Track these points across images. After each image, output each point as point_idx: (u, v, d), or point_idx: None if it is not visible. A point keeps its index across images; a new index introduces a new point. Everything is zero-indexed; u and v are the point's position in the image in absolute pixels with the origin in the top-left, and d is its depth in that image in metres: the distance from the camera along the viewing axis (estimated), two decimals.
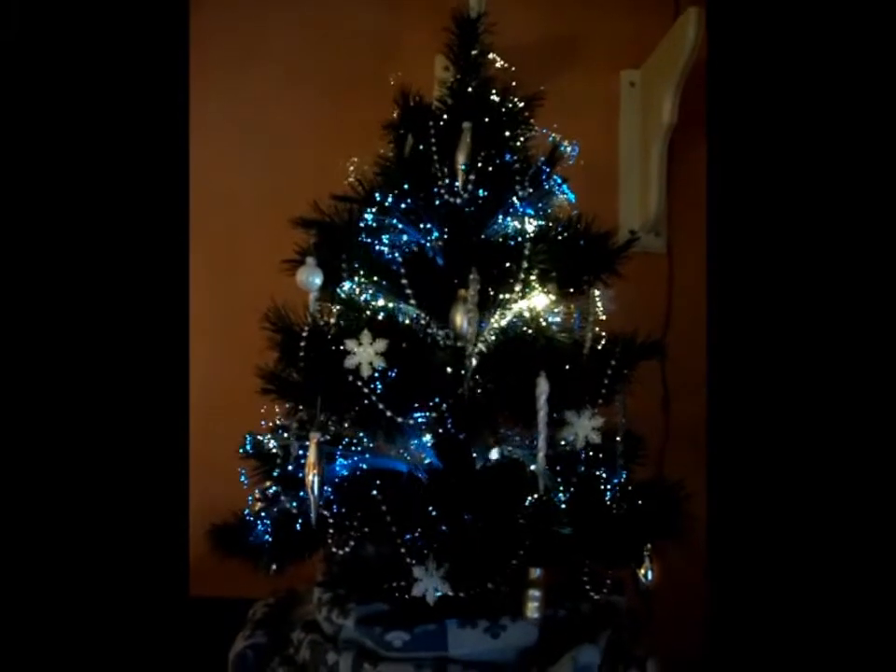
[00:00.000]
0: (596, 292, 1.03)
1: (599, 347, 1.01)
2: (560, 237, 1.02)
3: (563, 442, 0.98)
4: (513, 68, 1.13)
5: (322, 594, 1.06)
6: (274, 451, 1.03)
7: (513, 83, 1.11)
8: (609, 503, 0.97)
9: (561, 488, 0.94)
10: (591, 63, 1.60)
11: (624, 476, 1.00)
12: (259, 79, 1.61)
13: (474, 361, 0.96)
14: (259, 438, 1.04)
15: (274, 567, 1.02)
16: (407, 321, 1.00)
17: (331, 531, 0.98)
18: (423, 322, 1.00)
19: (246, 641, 1.06)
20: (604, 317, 1.04)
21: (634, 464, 1.04)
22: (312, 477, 0.91)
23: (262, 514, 1.03)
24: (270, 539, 1.02)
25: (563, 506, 0.94)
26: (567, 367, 0.96)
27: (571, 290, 1.03)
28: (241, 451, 1.04)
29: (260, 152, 1.59)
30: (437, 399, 0.95)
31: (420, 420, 0.96)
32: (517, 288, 0.99)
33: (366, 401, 0.93)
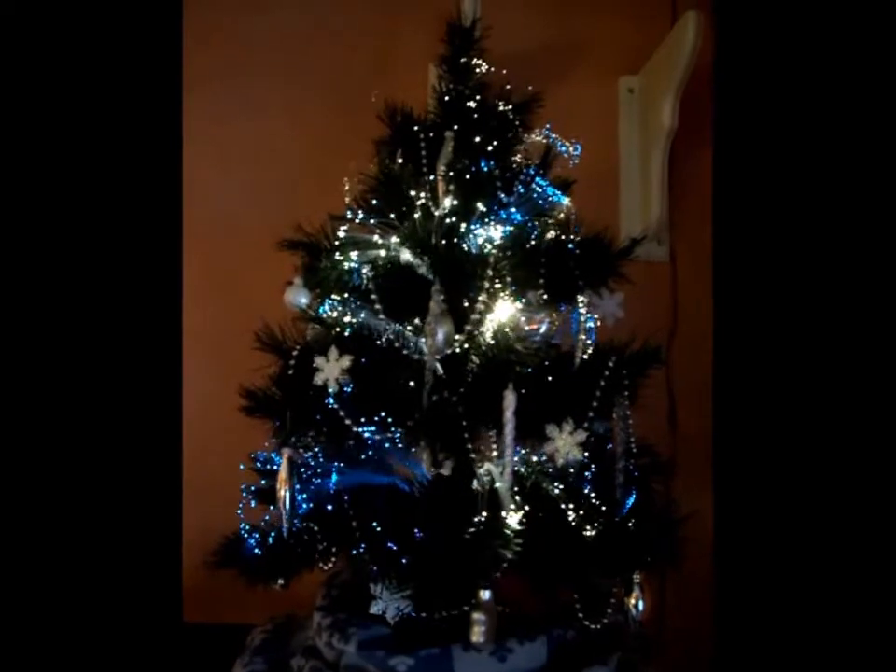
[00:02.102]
0: (580, 299, 1.01)
1: (585, 357, 0.99)
2: (529, 244, 1.01)
3: (541, 458, 0.97)
4: (504, 71, 1.14)
5: (322, 618, 1.06)
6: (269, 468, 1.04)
7: (507, 86, 1.12)
8: (574, 524, 0.94)
9: (512, 507, 0.91)
10: (589, 69, 1.61)
11: (634, 496, 0.99)
12: (251, 92, 1.61)
13: (456, 374, 0.97)
14: (268, 456, 1.05)
15: (270, 582, 1.02)
16: (386, 336, 1.01)
17: (320, 546, 0.98)
18: (391, 336, 1.00)
19: (245, 669, 1.06)
20: (591, 325, 1.02)
21: (645, 482, 1.02)
22: (283, 492, 0.95)
23: (249, 528, 1.04)
24: (259, 553, 1.02)
25: (517, 526, 0.91)
26: (550, 378, 0.96)
27: (559, 298, 1.02)
28: (241, 467, 1.06)
29: (252, 167, 1.59)
30: (392, 413, 0.95)
31: (386, 435, 0.96)
32: (481, 298, 0.98)
33: (324, 416, 0.95)
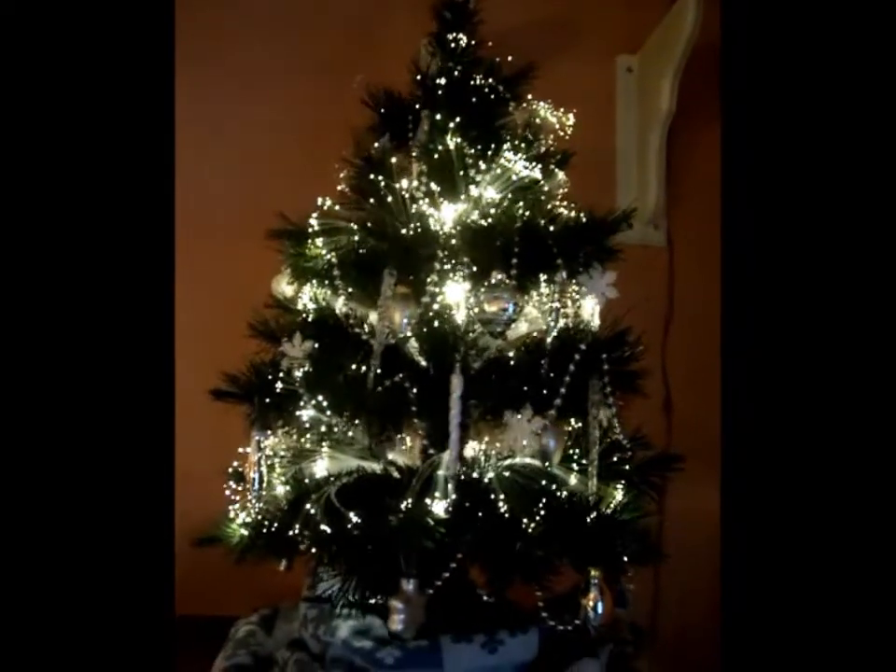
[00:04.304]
0: (543, 277, 0.99)
1: (549, 342, 0.97)
2: (488, 222, 1.00)
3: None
4: (490, 43, 1.14)
5: (308, 609, 1.06)
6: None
7: (496, 59, 1.12)
8: (508, 517, 0.91)
9: (437, 495, 0.90)
10: (586, 47, 1.60)
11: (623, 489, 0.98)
12: (238, 72, 1.59)
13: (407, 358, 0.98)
14: None
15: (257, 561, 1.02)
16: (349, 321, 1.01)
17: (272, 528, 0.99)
18: (352, 321, 1.01)
19: (228, 662, 1.06)
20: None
21: (632, 474, 1.00)
22: (252, 474, 1.01)
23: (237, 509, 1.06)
24: (245, 534, 1.02)
25: (442, 515, 0.90)
26: (512, 363, 0.96)
27: (534, 277, 0.99)
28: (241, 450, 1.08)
29: (240, 149, 1.58)
30: (340, 397, 0.96)
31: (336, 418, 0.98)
32: (430, 279, 0.97)
33: (284, 400, 0.99)
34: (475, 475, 0.94)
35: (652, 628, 1.46)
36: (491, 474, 0.94)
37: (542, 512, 0.90)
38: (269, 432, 1.02)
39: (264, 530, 0.99)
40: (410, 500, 0.90)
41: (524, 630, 0.99)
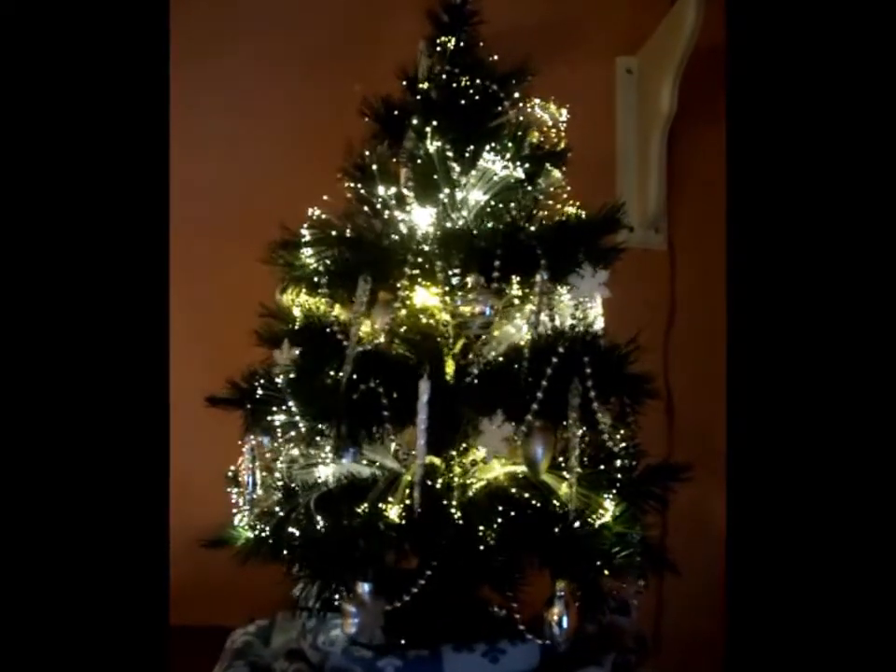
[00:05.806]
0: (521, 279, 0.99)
1: (525, 345, 0.96)
2: (460, 226, 1.01)
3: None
4: (482, 44, 1.14)
5: (307, 619, 1.06)
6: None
7: (489, 59, 1.12)
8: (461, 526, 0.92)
9: (390, 500, 0.92)
10: (585, 48, 1.60)
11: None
12: (235, 70, 1.60)
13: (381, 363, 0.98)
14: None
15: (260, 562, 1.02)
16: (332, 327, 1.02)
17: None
18: (335, 328, 1.01)
19: None
20: (556, 310, 1.01)
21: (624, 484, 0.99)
22: (246, 477, 1.05)
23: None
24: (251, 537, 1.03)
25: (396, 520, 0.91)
26: (487, 369, 0.96)
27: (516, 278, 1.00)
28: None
29: (235, 151, 1.58)
30: (313, 402, 0.97)
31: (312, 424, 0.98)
32: (400, 284, 0.98)
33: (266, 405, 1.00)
34: (440, 482, 0.95)
35: (656, 637, 1.47)
36: (457, 480, 0.95)
37: (500, 521, 0.91)
38: (254, 437, 1.05)
39: (257, 534, 1.00)
40: (366, 505, 0.92)
41: (525, 639, 0.99)
